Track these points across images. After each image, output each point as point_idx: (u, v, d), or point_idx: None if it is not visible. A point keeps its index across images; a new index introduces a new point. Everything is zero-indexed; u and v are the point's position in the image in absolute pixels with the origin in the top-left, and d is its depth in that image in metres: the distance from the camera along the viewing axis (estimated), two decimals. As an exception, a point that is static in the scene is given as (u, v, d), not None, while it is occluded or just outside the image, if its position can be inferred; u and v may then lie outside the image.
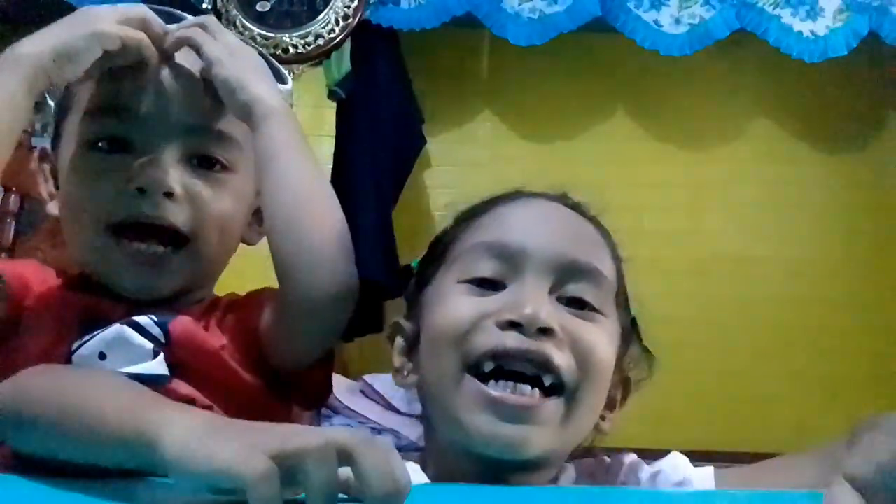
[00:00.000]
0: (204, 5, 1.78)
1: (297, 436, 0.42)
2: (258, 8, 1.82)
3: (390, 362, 0.70)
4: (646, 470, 0.67)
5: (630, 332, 0.69)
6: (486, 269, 0.63)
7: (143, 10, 0.70)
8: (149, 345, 0.66)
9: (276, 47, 1.77)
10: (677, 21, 1.85)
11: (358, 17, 1.82)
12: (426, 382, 0.64)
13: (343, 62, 1.86)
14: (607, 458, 0.69)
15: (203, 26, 0.71)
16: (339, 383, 0.77)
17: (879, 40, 1.81)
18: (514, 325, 0.59)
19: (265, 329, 0.68)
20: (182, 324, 0.67)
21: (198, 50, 0.69)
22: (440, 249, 0.68)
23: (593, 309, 0.63)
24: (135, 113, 0.68)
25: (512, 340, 0.58)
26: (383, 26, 1.87)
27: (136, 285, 0.69)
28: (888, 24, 1.78)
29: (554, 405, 0.59)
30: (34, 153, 0.77)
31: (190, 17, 0.74)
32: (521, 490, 0.58)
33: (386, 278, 1.60)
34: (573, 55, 2.11)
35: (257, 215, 0.76)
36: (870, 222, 2.15)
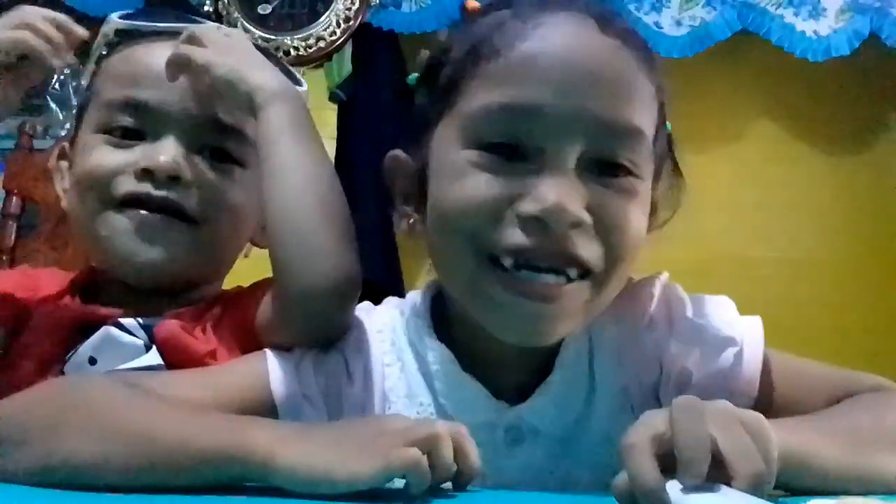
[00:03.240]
0: (205, 8, 1.79)
1: (417, 425, 0.48)
2: (259, 10, 1.82)
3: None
4: (688, 309, 0.62)
5: (665, 153, 0.62)
6: (502, 136, 0.54)
7: (52, 14, 0.70)
8: (138, 340, 0.66)
9: (277, 50, 1.77)
10: (678, 23, 1.85)
11: (359, 20, 1.82)
12: (438, 257, 0.60)
13: (344, 65, 1.86)
14: (633, 277, 0.63)
15: (188, 39, 0.70)
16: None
17: (881, 41, 1.81)
18: (537, 220, 0.52)
19: (262, 324, 0.66)
20: (167, 328, 0.66)
21: (187, 65, 0.68)
22: (446, 84, 0.58)
23: (629, 173, 0.55)
24: (148, 105, 0.69)
25: (536, 241, 0.52)
26: (384, 29, 1.87)
27: (137, 252, 0.68)
28: (888, 26, 1.78)
29: (579, 289, 0.55)
30: (52, 152, 0.79)
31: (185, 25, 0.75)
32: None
33: (386, 279, 1.60)
34: (574, 57, 2.11)
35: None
36: (872, 223, 2.14)
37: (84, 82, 0.78)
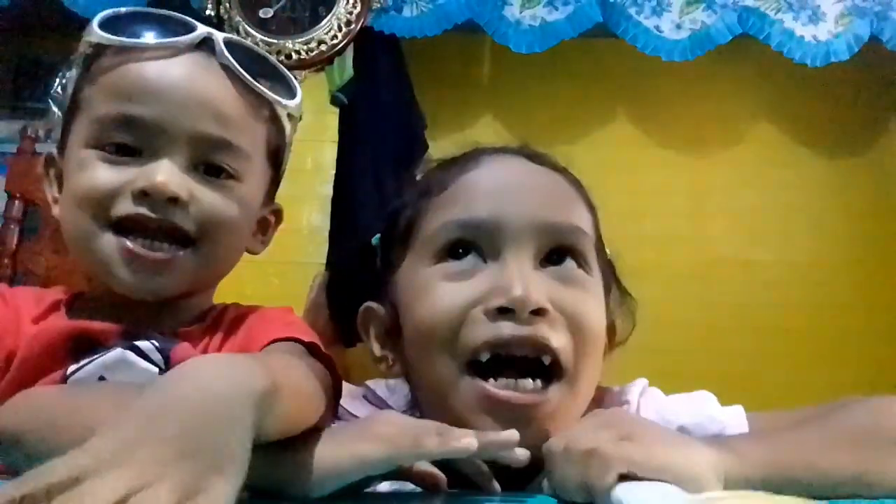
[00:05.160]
0: (207, 12, 1.79)
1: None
2: (261, 14, 1.83)
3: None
4: (669, 412, 0.64)
5: (610, 276, 0.66)
6: (462, 246, 0.59)
7: None
8: (153, 368, 0.65)
9: (278, 53, 1.77)
10: (678, 27, 1.86)
11: (360, 24, 1.83)
12: (418, 378, 0.62)
13: (345, 68, 1.86)
14: (615, 388, 0.67)
15: None
16: (342, 389, 0.77)
17: (880, 45, 1.81)
18: (504, 311, 0.56)
19: None
20: (184, 351, 0.66)
21: None
22: (404, 226, 0.64)
23: (580, 265, 0.60)
24: (143, 121, 0.68)
25: (507, 329, 0.56)
26: (385, 33, 1.88)
27: (137, 285, 0.67)
28: (889, 29, 1.79)
29: (556, 394, 0.57)
30: (40, 159, 0.76)
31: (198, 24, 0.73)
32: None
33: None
34: (575, 61, 2.12)
35: (262, 224, 0.76)
36: (872, 226, 2.15)
37: (68, 88, 0.73)
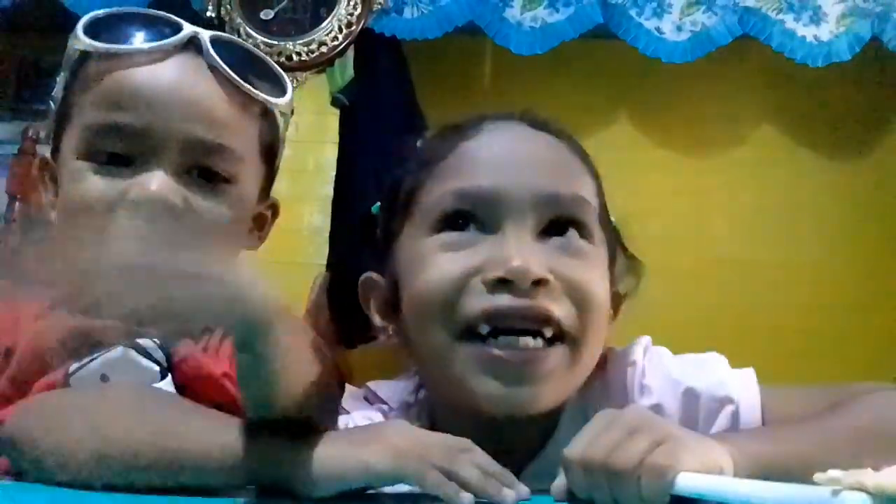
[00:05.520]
0: (208, 13, 1.79)
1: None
2: (262, 16, 1.83)
3: (393, 369, 0.70)
4: (678, 373, 0.63)
5: (614, 243, 0.65)
6: (461, 217, 0.58)
7: None
8: (155, 367, 0.65)
9: (279, 55, 1.77)
10: (679, 28, 1.85)
11: (361, 25, 1.83)
12: (417, 348, 0.61)
13: (346, 69, 1.86)
14: (616, 348, 0.65)
15: None
16: (344, 390, 0.78)
17: (882, 45, 1.81)
18: (503, 283, 0.55)
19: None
20: (186, 349, 0.66)
21: None
22: (403, 196, 0.63)
23: (581, 234, 0.59)
24: (133, 129, 0.67)
25: (505, 300, 0.55)
26: (386, 35, 1.88)
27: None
28: (890, 29, 1.78)
29: (558, 353, 0.56)
30: (36, 160, 0.76)
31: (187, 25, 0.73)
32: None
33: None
34: (576, 62, 2.12)
35: (258, 220, 0.76)
36: (873, 227, 2.14)
37: (58, 93, 0.72)
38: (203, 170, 0.69)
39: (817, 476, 0.39)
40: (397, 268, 0.62)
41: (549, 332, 0.56)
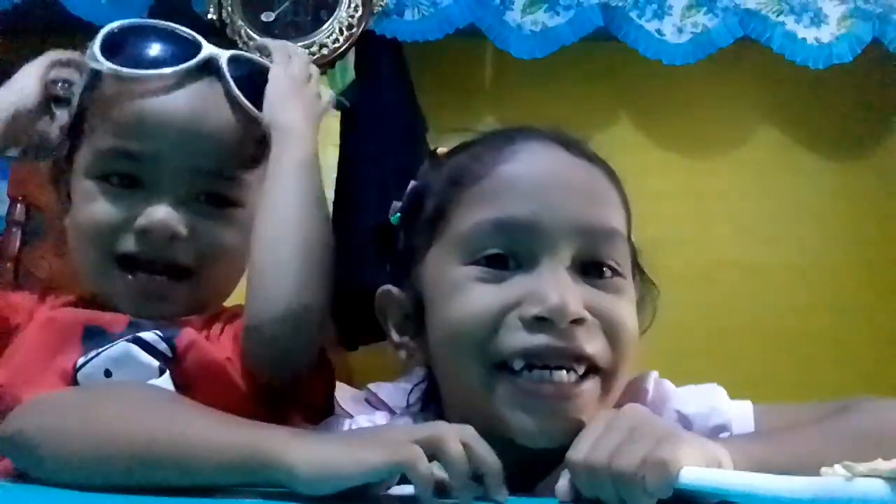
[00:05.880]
0: (209, 16, 1.79)
1: (421, 427, 0.51)
2: (263, 18, 1.83)
3: (395, 371, 0.70)
4: (677, 401, 0.64)
5: (635, 266, 0.66)
6: (497, 247, 0.58)
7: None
8: (155, 363, 0.66)
9: (280, 57, 1.77)
10: (680, 30, 1.85)
11: (362, 27, 1.83)
12: (448, 376, 0.61)
13: (347, 72, 1.86)
14: (630, 376, 0.65)
15: (286, 50, 0.73)
16: (344, 392, 0.77)
17: (883, 47, 1.81)
18: (541, 320, 0.55)
19: (242, 351, 0.68)
20: (188, 337, 0.67)
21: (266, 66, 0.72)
22: (431, 213, 0.62)
23: (615, 272, 0.59)
24: (145, 155, 0.69)
25: (542, 339, 0.55)
26: (387, 37, 1.88)
27: (138, 312, 0.70)
28: (891, 31, 1.78)
29: (590, 387, 0.57)
30: (43, 163, 0.78)
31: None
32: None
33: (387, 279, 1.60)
34: (576, 64, 2.12)
35: None
36: (876, 229, 2.14)
37: (73, 100, 0.74)
38: (210, 195, 0.71)
39: (823, 470, 0.39)
40: (423, 287, 0.62)
41: (581, 369, 0.57)
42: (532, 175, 0.60)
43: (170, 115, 0.69)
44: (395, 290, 0.65)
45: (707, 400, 0.65)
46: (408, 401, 0.69)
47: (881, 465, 0.37)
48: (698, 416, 0.64)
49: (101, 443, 0.50)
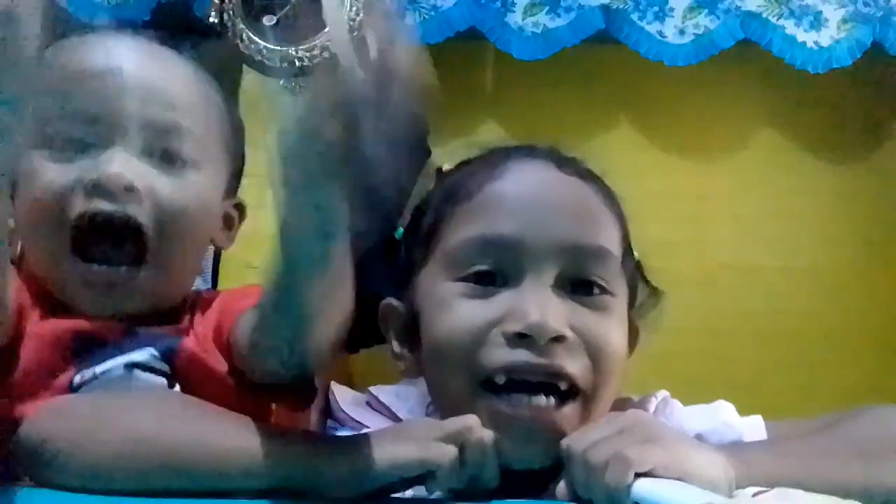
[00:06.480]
0: (210, 19, 1.79)
1: (448, 422, 0.52)
2: (264, 21, 1.83)
3: (396, 374, 0.70)
4: (687, 420, 0.65)
5: (636, 280, 0.66)
6: (483, 263, 0.59)
7: None
8: (161, 379, 0.64)
9: (282, 60, 1.78)
10: (681, 32, 1.86)
11: (363, 31, 1.83)
12: (436, 389, 0.63)
13: (348, 75, 1.86)
14: (634, 398, 0.68)
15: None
16: (345, 395, 0.78)
17: (883, 51, 1.81)
18: (522, 337, 0.56)
19: (237, 343, 0.63)
20: (186, 352, 0.65)
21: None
22: (427, 229, 0.64)
23: (603, 290, 0.60)
24: (88, 113, 0.64)
25: (523, 355, 0.56)
26: (388, 39, 1.88)
27: (96, 308, 0.66)
28: (891, 35, 1.78)
29: (570, 411, 0.58)
30: None
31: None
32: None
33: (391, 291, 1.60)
34: (577, 66, 2.12)
35: (227, 220, 0.74)
36: (876, 232, 2.14)
37: None
38: (164, 152, 0.66)
39: None
40: (418, 300, 0.63)
41: (563, 385, 0.57)
42: (519, 193, 0.61)
43: (113, 66, 0.65)
44: (395, 302, 0.67)
45: (718, 416, 0.66)
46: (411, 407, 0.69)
47: None
48: (713, 433, 0.65)
49: (134, 448, 0.50)
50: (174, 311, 0.70)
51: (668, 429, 0.56)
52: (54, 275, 0.67)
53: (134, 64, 0.66)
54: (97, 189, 0.63)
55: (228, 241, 0.76)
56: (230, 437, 0.50)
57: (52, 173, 0.64)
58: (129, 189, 0.63)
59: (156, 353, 0.64)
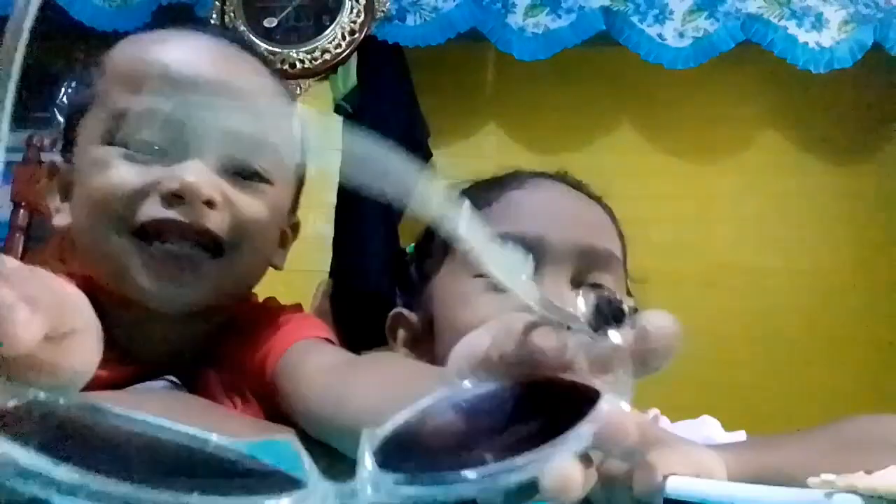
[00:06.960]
0: (212, 21, 1.80)
1: None
2: (265, 24, 1.84)
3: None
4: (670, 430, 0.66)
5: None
6: None
7: None
8: (164, 382, 0.62)
9: (283, 62, 1.78)
10: (681, 35, 1.86)
11: (364, 33, 1.83)
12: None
13: (349, 77, 1.87)
14: None
15: None
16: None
17: (884, 51, 1.81)
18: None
19: (279, 389, 0.59)
20: (203, 381, 0.63)
21: None
22: (444, 238, 0.65)
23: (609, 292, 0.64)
24: (169, 118, 0.61)
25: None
26: (389, 42, 1.88)
27: (161, 290, 0.61)
28: (892, 36, 1.79)
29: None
30: (44, 168, 0.71)
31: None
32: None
33: (390, 291, 1.60)
34: (578, 68, 2.12)
35: (283, 237, 0.71)
36: (878, 232, 2.14)
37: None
38: (240, 167, 0.64)
39: (811, 480, 0.39)
40: (433, 306, 0.65)
41: None
42: (539, 200, 0.66)
43: (196, 75, 0.62)
44: (406, 312, 0.69)
45: (702, 432, 0.68)
46: None
47: (860, 480, 0.37)
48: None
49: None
50: (224, 325, 0.67)
51: (663, 429, 0.57)
52: (115, 260, 0.61)
53: (222, 71, 0.63)
54: (173, 199, 0.60)
55: (281, 260, 0.72)
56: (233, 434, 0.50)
57: (124, 172, 0.61)
58: (210, 204, 0.61)
59: (175, 379, 0.61)
